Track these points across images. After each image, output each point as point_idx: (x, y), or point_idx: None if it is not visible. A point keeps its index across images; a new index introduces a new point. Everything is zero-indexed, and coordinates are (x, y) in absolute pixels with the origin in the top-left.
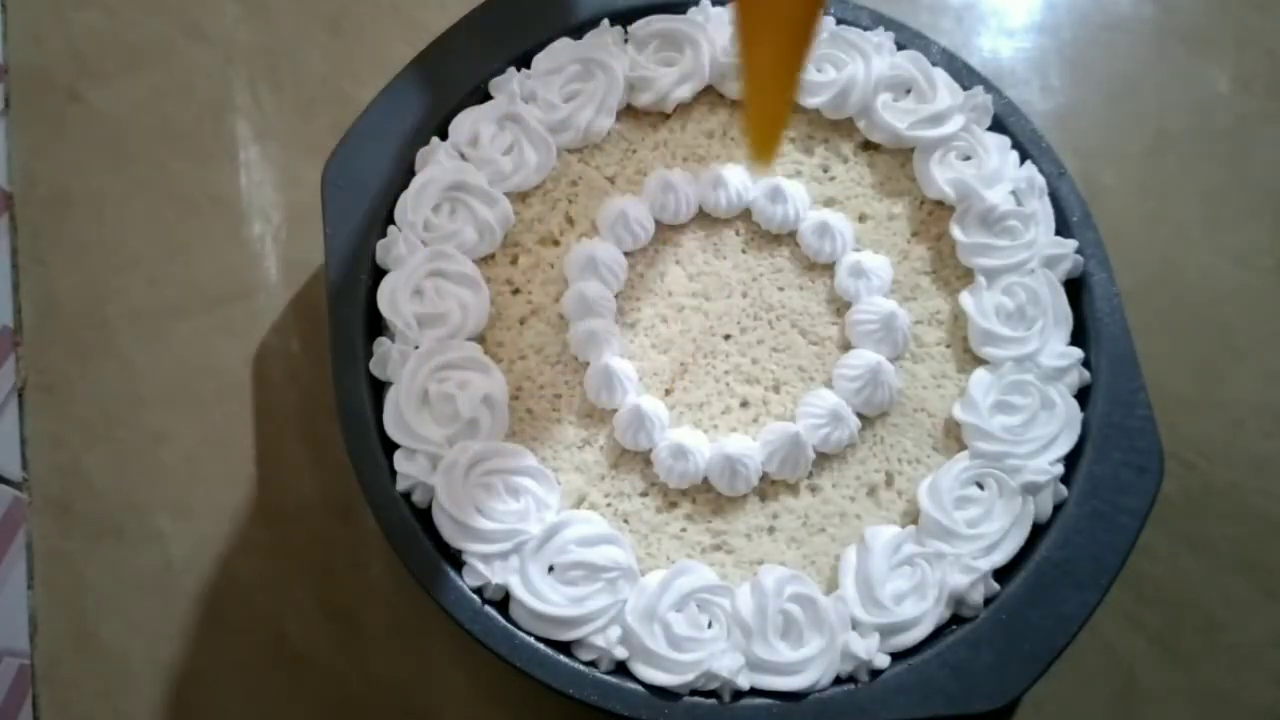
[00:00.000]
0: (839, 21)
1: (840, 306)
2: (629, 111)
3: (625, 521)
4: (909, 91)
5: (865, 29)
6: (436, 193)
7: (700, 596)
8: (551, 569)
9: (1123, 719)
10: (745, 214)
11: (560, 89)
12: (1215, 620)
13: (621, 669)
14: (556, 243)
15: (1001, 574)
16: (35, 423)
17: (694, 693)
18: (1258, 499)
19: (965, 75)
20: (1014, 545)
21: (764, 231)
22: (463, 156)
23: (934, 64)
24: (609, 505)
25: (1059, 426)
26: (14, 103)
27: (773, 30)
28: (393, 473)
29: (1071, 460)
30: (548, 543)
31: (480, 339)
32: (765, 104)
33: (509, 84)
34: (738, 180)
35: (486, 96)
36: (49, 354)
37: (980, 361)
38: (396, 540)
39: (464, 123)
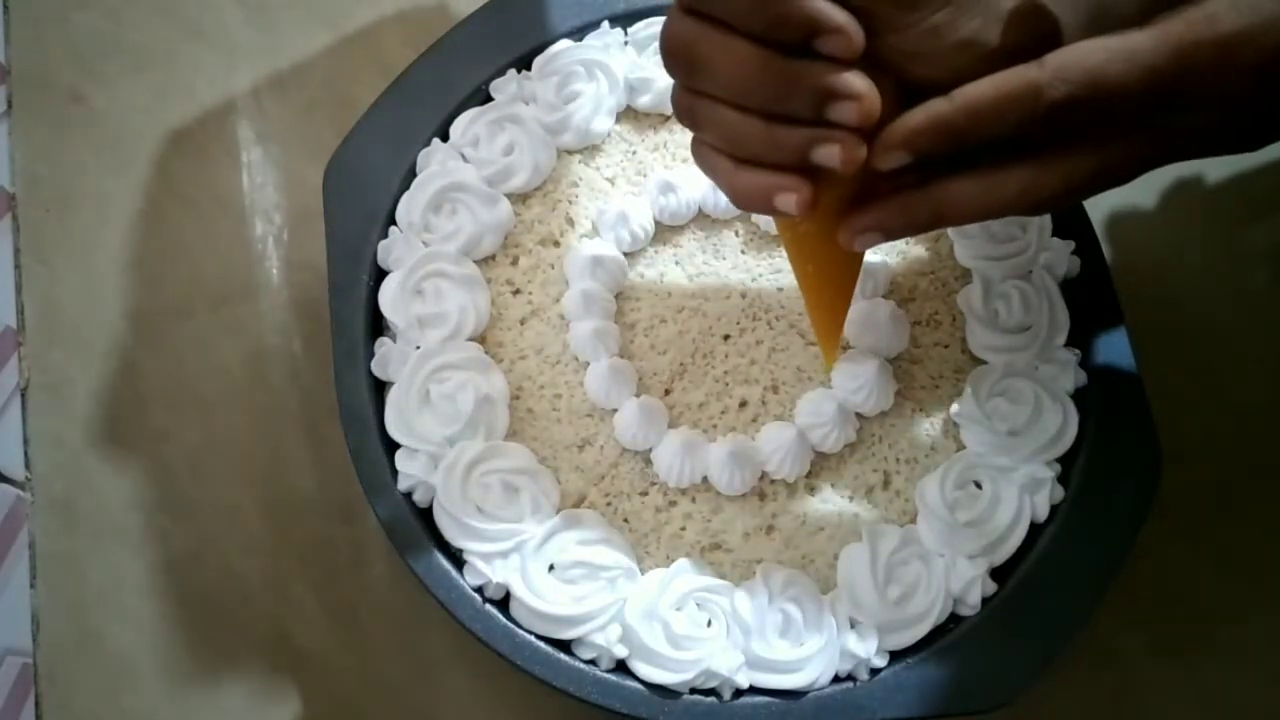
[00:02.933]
0: None
1: None
2: (629, 113)
3: (625, 521)
4: None
5: None
6: (437, 194)
7: (700, 595)
8: (552, 568)
9: (1123, 719)
10: (745, 215)
11: (560, 90)
12: (1215, 620)
13: (621, 667)
14: (557, 243)
15: (1000, 573)
16: (37, 422)
17: (693, 690)
18: (1258, 499)
19: None
20: (1013, 545)
21: (763, 232)
22: (464, 158)
23: None
24: (609, 505)
25: (1058, 426)
26: (16, 104)
27: (821, 261)
28: (394, 472)
29: (1071, 460)
30: (548, 542)
31: (481, 339)
32: (825, 319)
33: (509, 85)
34: None
35: (487, 98)
36: (51, 354)
37: (979, 361)
38: (397, 540)
39: (465, 124)
